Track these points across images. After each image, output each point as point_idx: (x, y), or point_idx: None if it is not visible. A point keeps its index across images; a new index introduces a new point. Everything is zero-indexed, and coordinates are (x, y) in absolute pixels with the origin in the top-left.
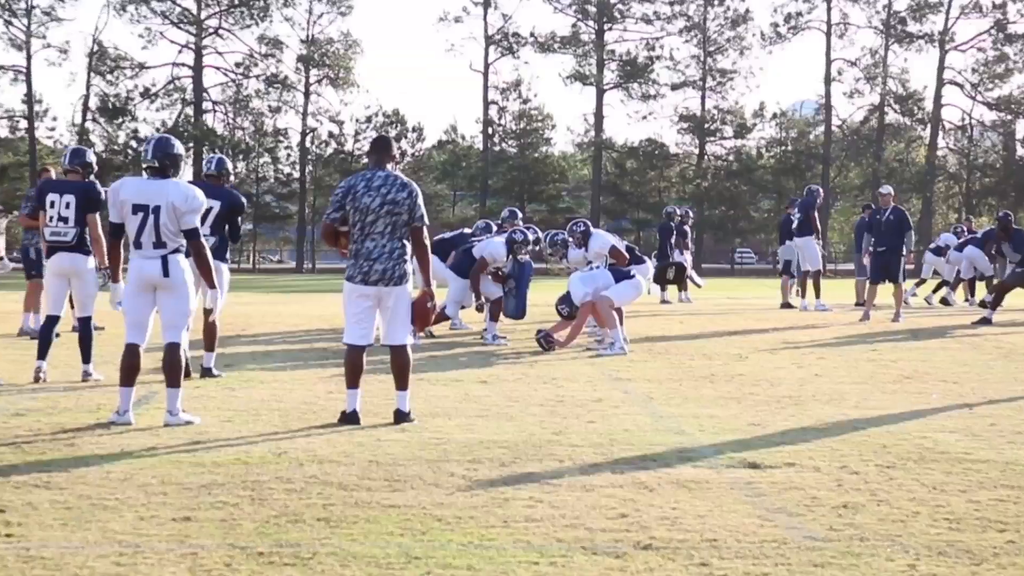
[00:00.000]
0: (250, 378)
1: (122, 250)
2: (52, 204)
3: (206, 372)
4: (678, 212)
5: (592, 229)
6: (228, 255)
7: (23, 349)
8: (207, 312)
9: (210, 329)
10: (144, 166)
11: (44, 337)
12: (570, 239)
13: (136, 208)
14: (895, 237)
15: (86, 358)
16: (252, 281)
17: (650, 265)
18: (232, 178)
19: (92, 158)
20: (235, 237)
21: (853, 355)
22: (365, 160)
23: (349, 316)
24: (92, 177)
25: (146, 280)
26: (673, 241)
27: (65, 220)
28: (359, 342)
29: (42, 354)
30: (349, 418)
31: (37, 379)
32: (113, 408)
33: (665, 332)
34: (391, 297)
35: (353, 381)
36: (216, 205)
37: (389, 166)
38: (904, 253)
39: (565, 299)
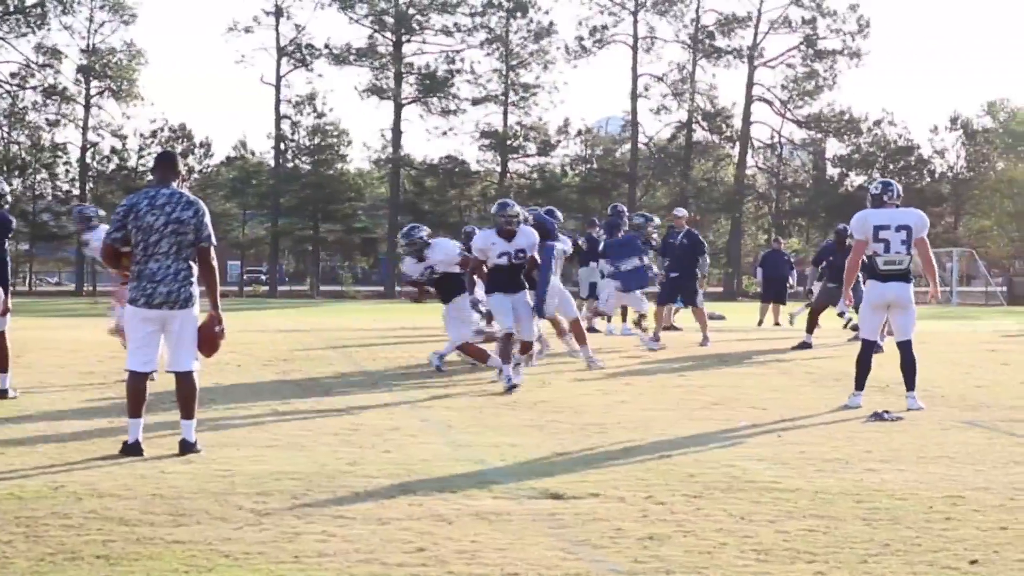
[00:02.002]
0: (24, 407)
1: None
2: None
3: (1, 393)
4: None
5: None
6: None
7: None
8: None
9: (1, 349)
10: None
11: None
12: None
13: None
14: (688, 261)
15: None
16: (28, 304)
17: None
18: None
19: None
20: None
21: (660, 381)
22: (150, 177)
23: (132, 341)
24: None
25: None
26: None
27: None
28: (142, 368)
29: None
30: (131, 449)
31: None
32: None
33: (463, 357)
34: (176, 321)
35: (136, 410)
36: None
37: (175, 183)
38: (698, 277)
39: None
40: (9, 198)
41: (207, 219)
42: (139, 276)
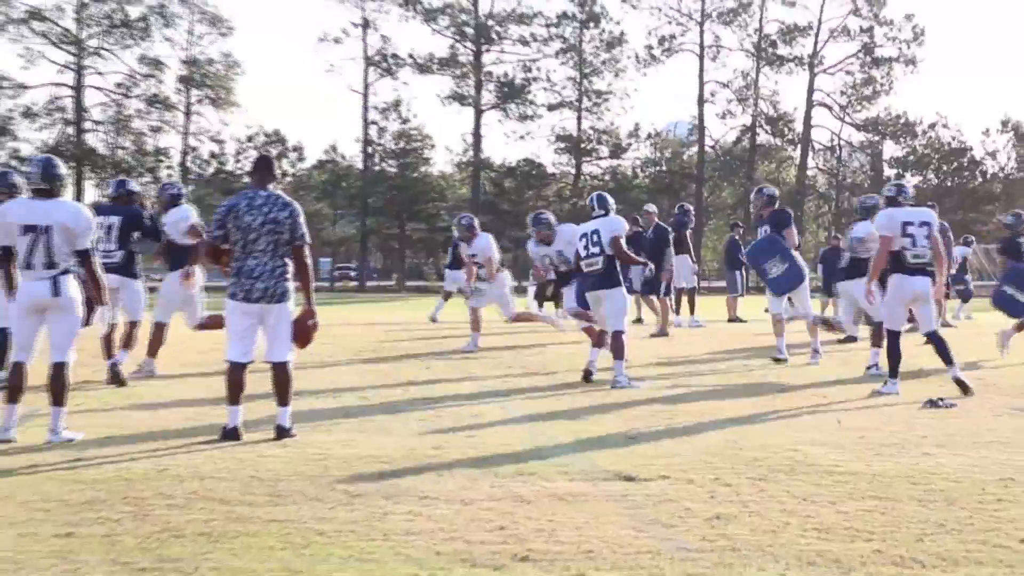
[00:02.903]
0: (131, 395)
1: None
2: None
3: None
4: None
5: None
6: (139, 271)
7: None
8: (131, 324)
9: (127, 330)
10: (32, 187)
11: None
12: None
13: (26, 229)
14: (656, 254)
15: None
16: None
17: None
18: (139, 199)
19: (133, 186)
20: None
21: (725, 370)
22: (247, 179)
23: (231, 333)
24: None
25: (36, 301)
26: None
27: None
28: (241, 359)
29: None
30: (230, 434)
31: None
32: None
33: (543, 352)
34: (273, 315)
35: (234, 398)
36: (116, 220)
37: (271, 185)
38: (665, 268)
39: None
40: (136, 190)
41: (301, 219)
42: (238, 272)
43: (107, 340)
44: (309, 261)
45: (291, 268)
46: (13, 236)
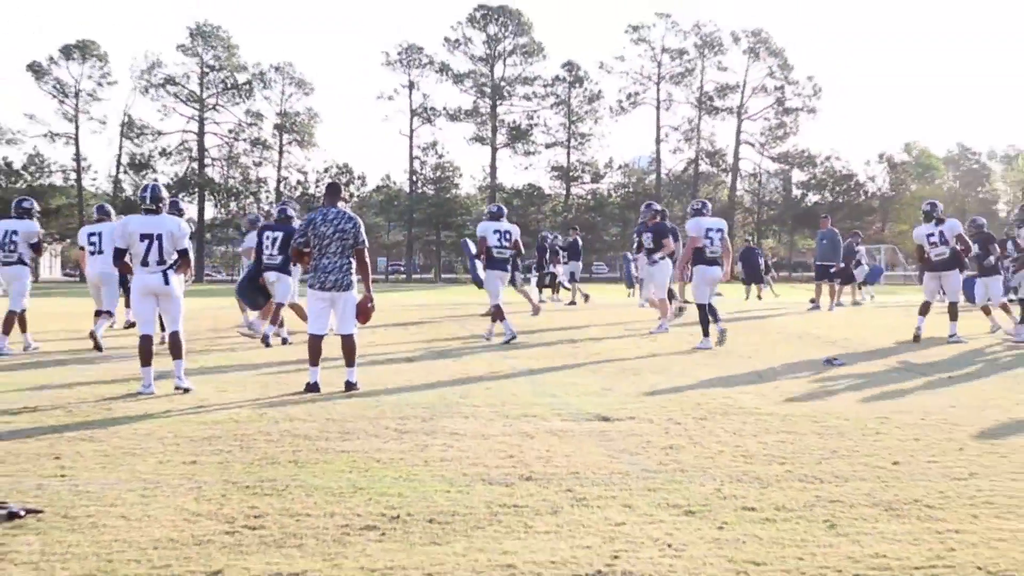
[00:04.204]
0: (239, 359)
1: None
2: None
3: (264, 339)
4: (549, 237)
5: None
6: (292, 269)
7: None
8: (278, 306)
9: (274, 309)
10: (144, 206)
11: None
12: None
13: (143, 236)
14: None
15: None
16: None
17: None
18: (294, 219)
19: (293, 212)
20: None
21: (677, 339)
22: (323, 200)
23: (311, 313)
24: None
25: (151, 289)
26: (547, 258)
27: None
28: (319, 332)
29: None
30: (311, 387)
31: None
32: (140, 383)
33: (541, 325)
34: (341, 300)
35: (314, 360)
36: (279, 235)
37: (340, 204)
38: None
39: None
40: (293, 215)
41: (362, 229)
42: (316, 268)
43: (276, 312)
44: (368, 260)
45: (354, 265)
46: (132, 241)
